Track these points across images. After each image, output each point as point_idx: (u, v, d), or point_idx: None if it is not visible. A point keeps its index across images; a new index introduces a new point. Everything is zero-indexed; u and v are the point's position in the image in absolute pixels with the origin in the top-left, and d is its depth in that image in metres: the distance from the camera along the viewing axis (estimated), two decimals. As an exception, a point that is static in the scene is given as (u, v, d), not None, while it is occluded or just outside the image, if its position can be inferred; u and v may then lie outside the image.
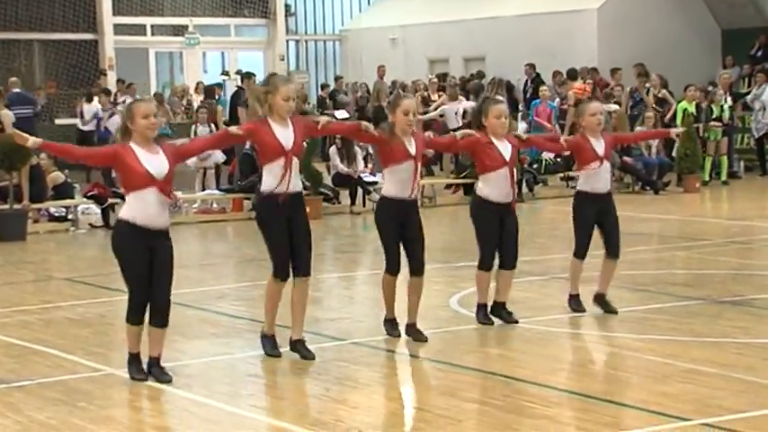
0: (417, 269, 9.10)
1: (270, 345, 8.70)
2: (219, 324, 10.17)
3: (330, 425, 6.89)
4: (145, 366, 8.08)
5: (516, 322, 9.48)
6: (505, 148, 9.31)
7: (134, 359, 8.13)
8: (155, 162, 7.95)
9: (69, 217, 18.05)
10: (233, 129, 9.09)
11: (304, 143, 8.83)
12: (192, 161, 20.64)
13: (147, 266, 7.98)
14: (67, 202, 18.31)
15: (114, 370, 8.45)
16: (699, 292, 10.99)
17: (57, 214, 18.18)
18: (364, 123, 9.29)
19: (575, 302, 9.92)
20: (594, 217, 9.76)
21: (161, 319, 8.08)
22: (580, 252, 9.90)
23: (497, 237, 9.43)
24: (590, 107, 9.85)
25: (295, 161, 8.55)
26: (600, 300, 9.89)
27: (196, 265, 14.06)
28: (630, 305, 10.44)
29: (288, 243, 8.61)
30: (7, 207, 16.61)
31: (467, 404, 7.34)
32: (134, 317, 8.07)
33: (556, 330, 9.38)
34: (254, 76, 24.08)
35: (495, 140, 9.27)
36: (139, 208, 8.00)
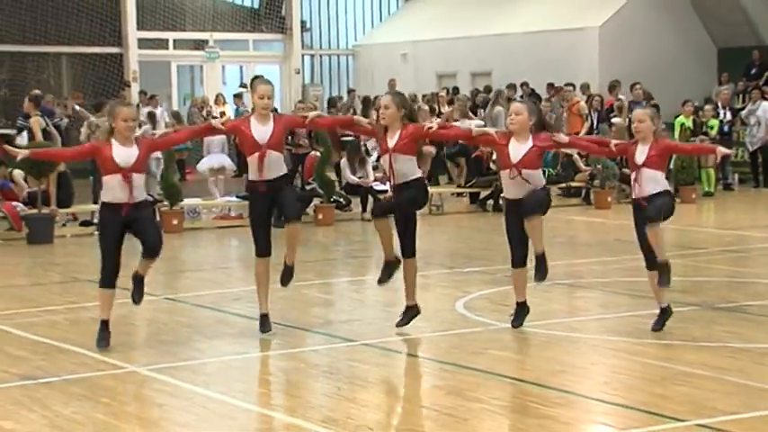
0: (403, 251, 9.35)
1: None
2: (236, 325, 10.19)
3: (341, 422, 6.90)
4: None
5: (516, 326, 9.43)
6: (517, 150, 9.07)
7: (103, 326, 9.10)
8: (125, 154, 8.98)
9: (94, 221, 18.09)
10: (216, 122, 9.99)
11: (293, 137, 9.33)
12: (203, 169, 20.63)
13: (116, 240, 9.12)
14: (90, 207, 18.36)
15: (136, 368, 8.47)
16: (694, 299, 10.98)
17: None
18: (356, 117, 9.75)
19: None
20: (640, 222, 9.23)
21: (152, 252, 9.17)
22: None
23: (515, 233, 9.25)
24: (633, 114, 9.50)
25: (273, 154, 9.15)
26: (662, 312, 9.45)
27: (213, 269, 14.11)
28: (629, 310, 10.44)
29: (263, 225, 9.38)
30: (36, 212, 16.68)
31: (472, 404, 7.34)
32: (104, 283, 9.17)
33: (558, 334, 9.37)
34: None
35: (512, 140, 9.11)
36: (108, 190, 9.05)
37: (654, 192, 9.08)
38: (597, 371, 8.28)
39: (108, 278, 9.17)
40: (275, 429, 6.94)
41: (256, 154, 9.10)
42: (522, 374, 8.11)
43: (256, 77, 9.58)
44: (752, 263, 14.08)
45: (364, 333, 9.57)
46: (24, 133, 22.73)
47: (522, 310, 9.44)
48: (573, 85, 24.55)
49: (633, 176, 9.19)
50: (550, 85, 26.30)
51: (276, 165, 9.21)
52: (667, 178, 21.11)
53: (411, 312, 9.49)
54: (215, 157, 20.34)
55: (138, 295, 9.39)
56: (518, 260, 9.35)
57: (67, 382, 8.00)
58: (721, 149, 9.83)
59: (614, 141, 9.70)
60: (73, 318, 10.61)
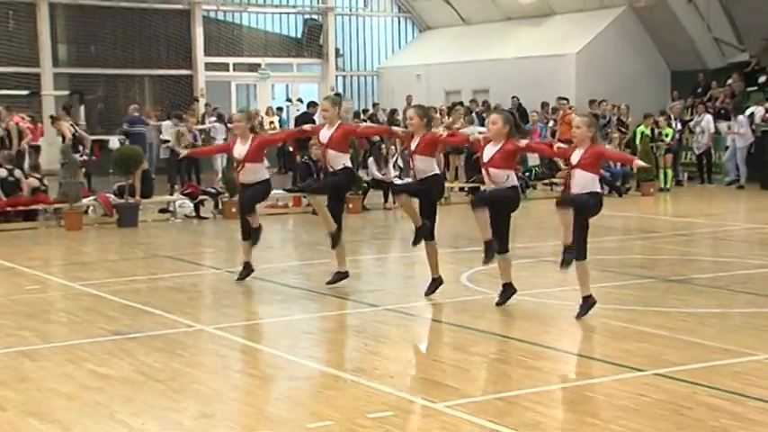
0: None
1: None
2: (282, 293, 10.20)
3: (368, 371, 6.90)
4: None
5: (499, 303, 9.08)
6: (488, 152, 8.77)
7: (244, 265, 10.56)
8: (239, 149, 10.29)
9: (170, 209, 18.16)
10: (307, 127, 10.89)
11: (349, 142, 10.12)
12: None
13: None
14: (167, 198, 18.43)
15: (203, 326, 8.49)
16: (652, 273, 10.95)
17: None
18: (393, 128, 10.21)
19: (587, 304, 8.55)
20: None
21: (245, 236, 10.51)
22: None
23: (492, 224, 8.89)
24: (573, 121, 8.99)
25: (330, 152, 9.80)
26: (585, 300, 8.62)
27: (264, 248, 14.06)
28: (599, 282, 10.38)
29: (330, 205, 9.94)
30: (124, 201, 16.76)
31: (473, 357, 7.33)
32: (242, 237, 10.63)
33: (544, 301, 9.35)
34: (316, 104, 24.82)
35: (489, 144, 8.80)
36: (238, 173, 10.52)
37: (582, 191, 8.40)
38: (574, 331, 8.26)
39: (243, 233, 10.53)
40: (314, 377, 6.95)
41: (322, 149, 9.99)
42: (513, 333, 8.09)
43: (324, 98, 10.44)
44: (697, 244, 14.02)
45: (386, 300, 9.57)
46: (116, 137, 22.95)
47: (506, 290, 9.02)
48: (567, 99, 24.48)
49: (569, 175, 8.49)
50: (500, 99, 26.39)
51: (333, 160, 9.83)
52: (631, 176, 21.12)
53: (436, 283, 9.50)
54: None
55: (243, 276, 10.52)
56: (497, 248, 8.90)
57: (149, 337, 8.05)
58: (638, 162, 9.12)
59: (557, 144, 9.07)
60: (153, 286, 10.65)
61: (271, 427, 5.71)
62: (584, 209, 8.40)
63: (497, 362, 7.28)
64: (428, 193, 9.32)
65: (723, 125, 23.02)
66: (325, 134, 9.83)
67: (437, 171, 9.40)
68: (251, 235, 10.49)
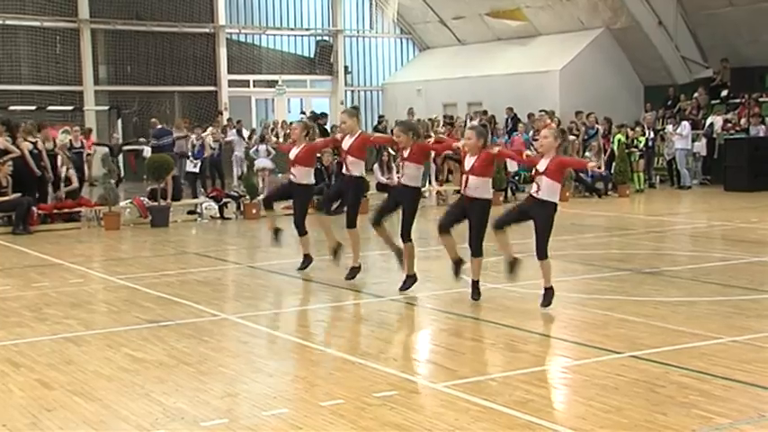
0: (402, 237, 9.45)
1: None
2: (298, 285, 10.21)
3: (374, 355, 6.90)
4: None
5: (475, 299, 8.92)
6: (468, 162, 8.66)
7: (274, 232, 10.93)
8: (293, 152, 10.37)
9: (197, 211, 18.15)
10: (338, 135, 10.49)
11: (363, 149, 9.90)
12: (259, 166, 20.44)
13: (278, 189, 11.09)
14: (194, 201, 18.42)
15: (227, 315, 8.49)
16: (628, 266, 10.92)
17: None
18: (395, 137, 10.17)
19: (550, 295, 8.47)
20: (527, 213, 8.46)
21: (297, 230, 10.51)
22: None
23: (455, 212, 8.85)
24: (540, 132, 8.71)
25: (349, 158, 9.77)
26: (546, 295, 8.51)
27: (283, 245, 14.09)
28: (582, 274, 10.40)
29: (347, 206, 10.07)
30: (157, 204, 16.76)
31: (468, 342, 7.33)
32: (265, 206, 10.96)
33: (531, 292, 9.31)
34: (327, 115, 24.89)
35: (468, 155, 8.69)
36: None
37: (544, 198, 8.23)
38: (559, 318, 8.25)
39: (265, 203, 10.99)
40: (326, 360, 6.95)
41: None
42: (505, 321, 8.07)
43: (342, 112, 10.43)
44: (668, 240, 13.99)
45: (390, 291, 9.56)
46: (148, 147, 22.97)
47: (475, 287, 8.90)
48: (553, 112, 24.50)
49: (536, 181, 8.29)
50: (483, 112, 26.22)
51: (353, 165, 9.82)
52: (610, 179, 20.98)
53: (411, 280, 9.45)
54: (260, 162, 20.40)
55: (303, 266, 10.58)
56: (443, 227, 8.80)
57: (179, 325, 8.05)
58: (591, 164, 8.88)
59: (526, 152, 8.89)
60: (183, 279, 10.65)
61: (288, 405, 5.71)
62: (547, 221, 8.38)
63: (489, 346, 7.27)
64: (405, 201, 9.31)
65: (669, 127, 23.05)
66: (347, 142, 9.84)
67: (418, 184, 9.39)
68: (305, 230, 10.70)
